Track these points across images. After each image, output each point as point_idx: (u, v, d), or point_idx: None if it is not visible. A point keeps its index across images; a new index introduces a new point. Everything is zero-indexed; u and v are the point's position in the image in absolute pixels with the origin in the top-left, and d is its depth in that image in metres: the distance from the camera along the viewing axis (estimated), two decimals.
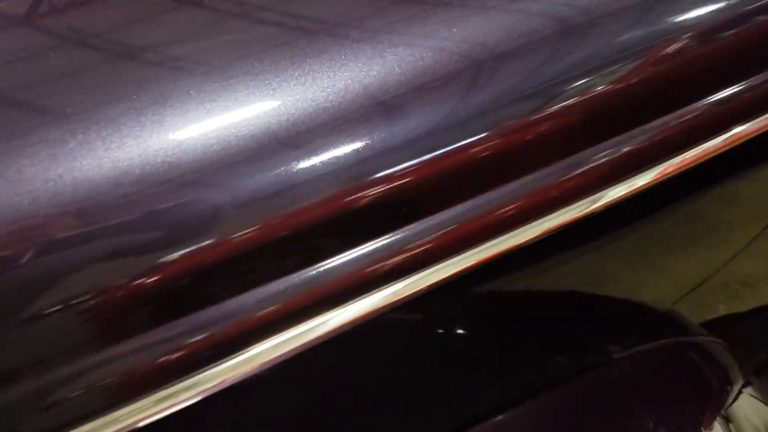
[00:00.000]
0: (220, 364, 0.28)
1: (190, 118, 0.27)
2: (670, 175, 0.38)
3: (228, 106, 0.27)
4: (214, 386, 0.28)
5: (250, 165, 0.27)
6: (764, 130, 0.41)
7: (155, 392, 0.27)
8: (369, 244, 0.30)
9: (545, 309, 0.48)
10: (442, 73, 0.30)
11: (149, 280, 0.26)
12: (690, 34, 0.36)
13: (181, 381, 0.27)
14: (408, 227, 0.31)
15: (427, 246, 0.31)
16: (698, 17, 0.36)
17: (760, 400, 0.53)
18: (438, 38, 0.31)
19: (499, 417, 0.41)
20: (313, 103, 0.28)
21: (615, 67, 0.34)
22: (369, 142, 0.29)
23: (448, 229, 0.32)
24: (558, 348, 0.47)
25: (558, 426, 0.43)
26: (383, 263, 0.31)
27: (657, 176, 0.38)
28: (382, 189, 0.29)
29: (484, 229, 0.33)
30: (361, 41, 0.30)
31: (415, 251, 0.31)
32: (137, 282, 0.26)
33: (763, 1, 0.38)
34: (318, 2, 0.33)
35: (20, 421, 0.25)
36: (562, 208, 0.35)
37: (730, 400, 0.49)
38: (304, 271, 0.29)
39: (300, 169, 0.28)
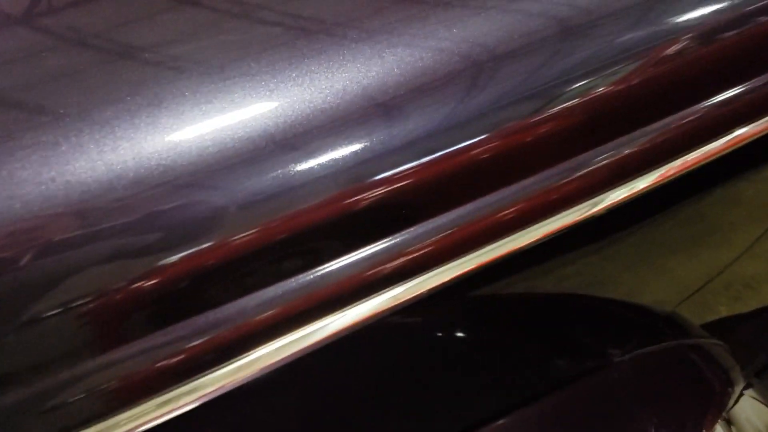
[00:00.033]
0: (220, 368, 0.28)
1: (185, 119, 0.26)
2: (671, 178, 0.38)
3: (224, 108, 0.27)
4: (214, 391, 0.28)
5: (246, 168, 0.27)
6: (767, 132, 0.41)
7: (155, 397, 0.27)
8: (368, 247, 0.30)
9: (546, 312, 0.47)
10: (441, 73, 0.30)
11: (140, 285, 0.25)
12: (692, 34, 0.36)
13: (181, 385, 0.27)
14: (407, 230, 0.31)
15: (426, 249, 0.31)
16: (700, 18, 0.36)
17: (762, 402, 0.53)
18: (437, 38, 0.31)
19: (500, 421, 0.41)
20: (311, 105, 0.28)
21: (616, 68, 0.34)
22: (368, 144, 0.29)
23: (448, 232, 0.32)
24: (559, 351, 0.47)
25: (559, 429, 0.42)
26: (383, 267, 0.30)
27: (658, 178, 0.38)
28: (381, 191, 0.29)
29: (485, 233, 0.32)
30: (359, 41, 0.30)
31: (415, 255, 0.31)
32: (128, 287, 0.25)
33: (766, 2, 0.38)
34: (316, 2, 0.33)
35: (19, 425, 0.25)
36: (563, 210, 0.35)
37: (732, 402, 0.49)
38: (301, 275, 0.29)
39: (297, 171, 0.27)
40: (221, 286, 0.27)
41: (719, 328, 0.63)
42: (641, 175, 0.37)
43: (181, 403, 0.27)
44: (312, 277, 0.29)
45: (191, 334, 0.27)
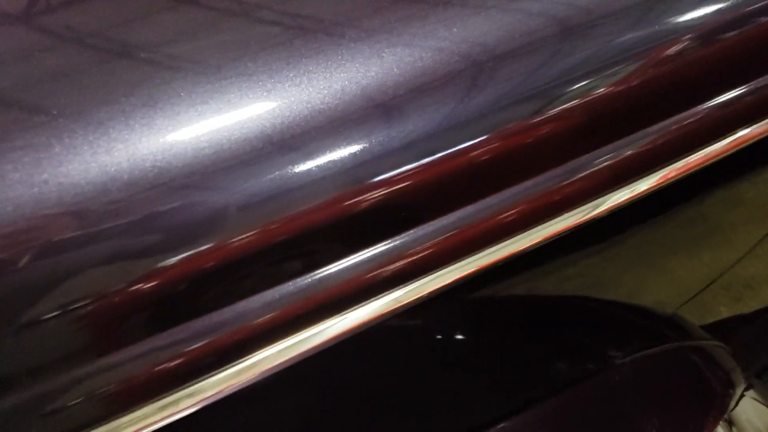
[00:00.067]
0: (220, 372, 0.28)
1: (180, 120, 0.26)
2: (673, 180, 0.38)
3: (220, 109, 0.27)
4: (215, 394, 0.28)
5: (243, 170, 0.26)
6: None
7: (155, 400, 0.27)
8: (368, 250, 0.30)
9: (548, 314, 0.47)
10: (441, 73, 0.30)
11: (133, 289, 0.25)
12: (693, 35, 0.35)
13: (182, 389, 0.27)
14: (407, 233, 0.31)
15: (426, 252, 0.31)
16: (701, 18, 0.36)
17: (762, 403, 0.53)
18: (437, 38, 0.30)
19: (502, 424, 0.40)
20: (309, 105, 0.28)
21: (617, 68, 0.34)
22: (366, 145, 0.28)
23: (448, 234, 0.31)
24: (561, 353, 0.47)
25: None
26: (383, 270, 0.30)
27: (660, 180, 0.38)
28: (380, 193, 0.29)
29: (485, 235, 0.32)
30: (358, 41, 0.30)
31: (415, 257, 0.31)
32: (120, 290, 0.25)
33: (767, 2, 0.37)
34: (314, 1, 0.32)
35: (19, 428, 0.25)
36: (564, 213, 0.34)
37: (733, 404, 0.49)
38: (300, 279, 0.29)
39: (295, 173, 0.27)
40: (217, 289, 0.27)
41: (720, 329, 0.63)
42: (642, 177, 0.37)
43: (181, 406, 0.27)
44: (311, 280, 0.29)
45: (190, 337, 0.27)
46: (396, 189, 0.29)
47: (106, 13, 0.31)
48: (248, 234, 0.27)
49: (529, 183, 0.33)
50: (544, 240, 0.34)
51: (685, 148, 0.38)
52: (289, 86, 0.28)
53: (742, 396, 0.50)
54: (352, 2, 0.32)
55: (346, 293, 0.30)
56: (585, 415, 0.43)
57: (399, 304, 0.31)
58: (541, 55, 0.32)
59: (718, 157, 0.40)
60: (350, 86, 0.28)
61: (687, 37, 0.35)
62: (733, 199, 0.53)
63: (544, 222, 0.34)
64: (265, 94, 0.27)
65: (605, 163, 0.35)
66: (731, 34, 0.37)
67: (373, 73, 0.29)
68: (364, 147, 0.28)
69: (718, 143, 0.39)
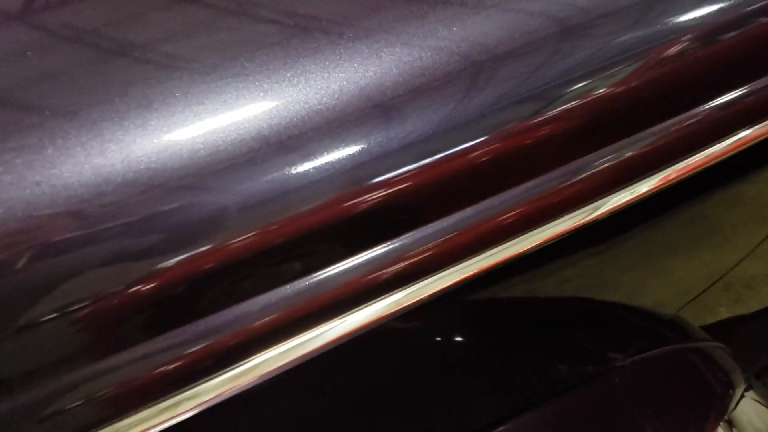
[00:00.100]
0: (219, 375, 0.27)
1: (175, 121, 0.26)
2: (673, 181, 0.38)
3: (216, 109, 0.26)
4: (214, 398, 0.28)
5: (239, 171, 0.26)
6: None
7: (154, 404, 0.27)
8: (367, 252, 0.30)
9: (548, 316, 0.47)
10: (441, 74, 0.29)
11: (127, 292, 0.25)
12: (694, 35, 0.35)
13: (181, 392, 0.27)
14: (406, 235, 0.30)
15: (426, 255, 0.31)
16: (702, 19, 0.36)
17: (763, 404, 0.53)
18: (437, 38, 0.30)
19: (502, 427, 0.40)
20: (306, 106, 0.27)
21: (618, 69, 0.33)
22: (365, 146, 0.28)
23: (448, 237, 0.31)
24: (562, 356, 0.47)
25: None
26: (382, 272, 0.30)
27: (661, 182, 0.37)
28: (378, 195, 0.29)
29: (485, 237, 0.32)
30: (356, 40, 0.29)
31: (415, 260, 0.31)
32: (113, 293, 0.25)
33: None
34: None
35: None
36: (565, 214, 0.34)
37: (733, 405, 0.49)
38: (299, 281, 0.29)
39: (292, 175, 0.27)
40: (214, 292, 0.27)
41: (720, 329, 0.63)
42: (643, 179, 0.37)
43: (180, 410, 0.27)
44: (311, 282, 0.29)
45: (190, 340, 0.27)
46: (395, 191, 0.29)
47: (99, 12, 0.30)
48: (245, 236, 0.26)
49: (529, 184, 0.33)
50: (545, 242, 0.34)
51: (685, 150, 0.38)
52: (286, 86, 0.27)
53: (742, 397, 0.50)
54: (350, 1, 0.32)
55: (346, 296, 0.29)
56: (585, 417, 0.43)
57: (399, 307, 0.31)
58: (541, 55, 0.32)
59: (719, 159, 0.39)
60: (348, 86, 0.28)
61: (687, 37, 0.35)
62: (733, 199, 0.53)
63: (545, 224, 0.34)
64: (261, 94, 0.27)
65: (605, 165, 0.35)
66: (732, 34, 0.36)
67: (372, 73, 0.29)
68: (363, 148, 0.28)
69: (719, 144, 0.39)
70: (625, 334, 0.50)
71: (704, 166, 0.39)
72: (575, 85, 0.32)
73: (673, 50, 0.35)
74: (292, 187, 0.27)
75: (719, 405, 0.47)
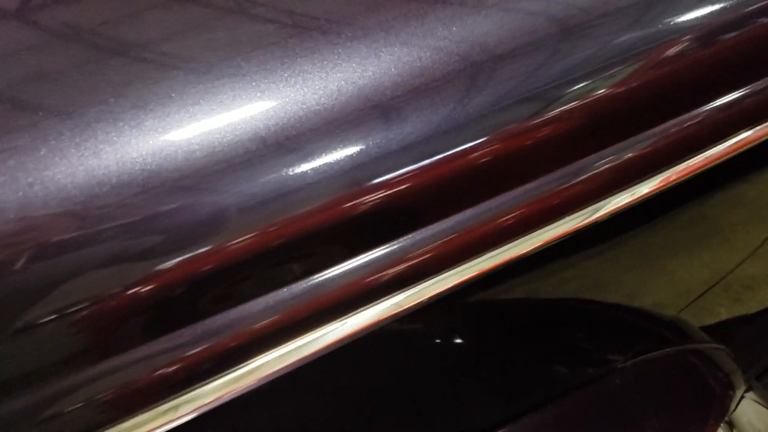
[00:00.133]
0: (219, 377, 0.27)
1: (171, 122, 0.26)
2: (674, 183, 0.38)
3: (212, 110, 0.26)
4: (214, 400, 0.27)
5: (235, 173, 0.26)
6: None
7: (153, 406, 0.26)
8: (366, 254, 0.29)
9: (549, 318, 0.47)
10: (440, 74, 0.29)
11: (120, 294, 0.25)
12: (694, 36, 0.35)
13: (181, 395, 0.27)
14: (406, 237, 0.30)
15: (425, 257, 0.31)
16: (703, 19, 0.35)
17: (763, 405, 0.53)
18: (436, 37, 0.30)
19: (502, 430, 0.40)
20: (304, 106, 0.27)
21: (619, 69, 0.33)
22: (363, 147, 0.28)
23: (448, 238, 0.31)
24: (562, 358, 0.46)
25: None
26: (382, 274, 0.30)
27: (661, 183, 0.37)
28: (377, 197, 0.28)
29: (485, 239, 0.32)
30: (355, 40, 0.29)
31: (414, 262, 0.30)
32: (107, 296, 0.24)
33: None
34: None
35: None
36: (565, 216, 0.34)
37: (733, 406, 0.49)
38: (299, 283, 0.28)
39: (289, 176, 0.26)
40: (213, 294, 0.27)
41: (719, 330, 0.63)
42: (643, 180, 0.37)
43: (180, 412, 0.27)
44: (310, 284, 0.28)
45: (189, 342, 0.26)
46: (394, 192, 0.29)
47: (94, 11, 0.30)
48: (240, 239, 0.26)
49: (529, 186, 0.32)
50: (545, 244, 0.34)
51: (686, 151, 0.38)
52: (283, 86, 0.27)
53: (742, 398, 0.50)
54: (348, 0, 0.32)
55: (346, 298, 0.29)
56: (586, 419, 0.43)
57: (400, 309, 0.31)
58: (541, 55, 0.32)
59: (720, 160, 0.39)
60: (347, 86, 0.28)
61: (688, 37, 0.35)
62: (733, 200, 0.53)
63: (545, 226, 0.34)
64: (258, 94, 0.27)
65: (606, 166, 0.35)
66: (732, 35, 0.36)
67: (370, 73, 0.28)
68: (361, 149, 0.28)
69: (720, 146, 0.39)
70: (625, 336, 0.50)
71: (705, 168, 0.39)
72: (575, 85, 0.32)
73: (674, 51, 0.34)
74: (290, 189, 0.26)
75: (719, 406, 0.47)
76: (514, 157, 0.31)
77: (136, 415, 0.26)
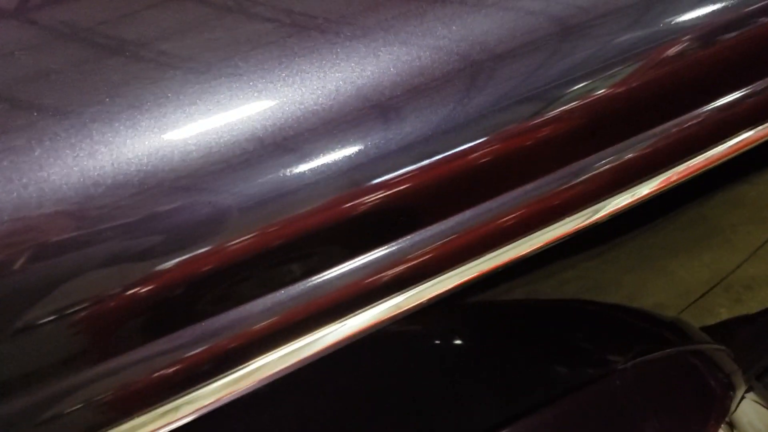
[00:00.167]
0: (218, 379, 0.27)
1: (167, 122, 0.25)
2: (674, 184, 0.37)
3: (209, 110, 0.26)
4: (214, 402, 0.27)
5: (232, 174, 0.25)
6: None
7: (153, 408, 0.26)
8: (366, 255, 0.29)
9: (547, 318, 0.47)
10: (439, 73, 0.29)
11: (125, 295, 0.25)
12: (695, 36, 0.35)
13: (180, 396, 0.27)
14: (405, 238, 0.30)
15: (424, 258, 0.30)
16: (703, 19, 0.35)
17: (763, 405, 0.53)
18: (435, 36, 0.30)
19: (503, 431, 0.40)
20: (302, 106, 0.27)
21: (619, 69, 0.33)
22: (362, 147, 0.28)
23: (447, 239, 0.31)
24: (563, 359, 0.46)
25: None
26: (381, 275, 0.30)
27: (661, 184, 0.37)
28: (375, 198, 0.28)
29: (484, 240, 0.32)
30: (354, 39, 0.29)
31: (413, 263, 0.30)
32: (102, 297, 0.24)
33: None
34: None
35: None
36: (565, 217, 0.34)
37: (734, 407, 0.49)
38: (297, 285, 0.28)
39: (287, 177, 0.26)
40: (211, 295, 0.27)
41: (720, 330, 0.63)
42: (644, 181, 0.37)
43: (180, 414, 0.27)
44: (309, 285, 0.28)
45: (189, 343, 0.26)
46: (393, 192, 0.28)
47: (90, 10, 0.30)
48: (237, 240, 0.26)
49: (529, 186, 0.32)
50: (545, 245, 0.34)
51: (686, 151, 0.38)
52: (281, 86, 0.27)
53: (742, 398, 0.50)
54: None
55: (345, 299, 0.29)
56: (586, 420, 0.43)
57: (400, 310, 0.31)
58: (542, 55, 0.31)
59: (721, 161, 0.39)
60: (345, 86, 0.28)
61: (688, 37, 0.35)
62: (733, 200, 0.53)
63: (545, 227, 0.33)
64: (256, 94, 0.27)
65: (606, 167, 0.35)
66: (733, 34, 0.36)
67: (369, 73, 0.28)
68: (360, 149, 0.27)
69: (720, 146, 0.39)
70: (625, 337, 0.50)
71: (705, 168, 0.39)
72: (575, 85, 0.32)
73: (674, 51, 0.34)
74: (288, 190, 0.26)
75: (720, 407, 0.47)
76: (514, 157, 0.31)
77: (136, 417, 0.26)
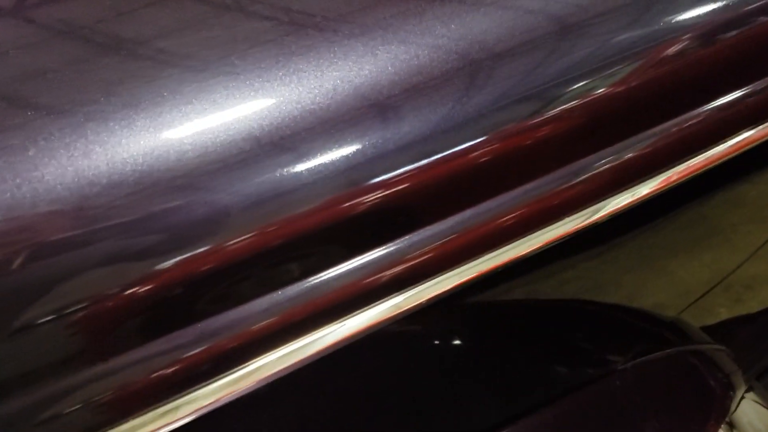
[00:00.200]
0: (218, 379, 0.27)
1: (163, 122, 0.25)
2: (674, 183, 0.37)
3: (205, 109, 0.26)
4: (213, 402, 0.27)
5: (228, 174, 0.25)
6: None
7: (152, 408, 0.26)
8: (365, 255, 0.29)
9: (547, 318, 0.47)
10: (438, 72, 0.29)
11: (123, 296, 0.24)
12: (695, 35, 0.35)
13: (179, 396, 0.27)
14: (404, 238, 0.30)
15: (423, 258, 0.30)
16: (703, 18, 0.35)
17: (763, 405, 0.53)
18: (434, 35, 0.30)
19: (501, 431, 0.40)
20: (299, 106, 0.27)
21: (619, 68, 0.33)
22: (360, 146, 0.27)
23: (447, 239, 0.31)
24: (562, 359, 0.46)
25: None
26: (380, 276, 0.29)
27: (661, 184, 0.37)
28: (374, 198, 0.28)
29: (484, 240, 0.32)
30: (351, 38, 0.29)
31: (412, 263, 0.30)
32: (99, 298, 0.24)
33: None
34: None
35: None
36: (565, 217, 0.34)
37: (734, 407, 0.49)
38: (296, 285, 0.28)
39: (284, 176, 0.26)
40: (210, 295, 0.26)
41: (720, 330, 0.63)
42: (644, 180, 0.37)
43: (179, 414, 0.27)
44: (308, 285, 0.28)
45: (188, 343, 0.26)
46: (392, 192, 0.28)
47: (86, 8, 0.30)
48: (235, 241, 0.26)
49: (528, 186, 0.32)
50: (545, 245, 0.34)
51: (686, 151, 0.38)
52: (278, 85, 0.27)
53: (742, 398, 0.50)
54: None
55: (345, 299, 0.29)
56: (586, 420, 0.43)
57: (399, 310, 0.31)
58: (541, 53, 0.31)
59: (721, 160, 0.39)
60: (343, 85, 0.27)
61: (688, 36, 0.35)
62: (734, 200, 0.53)
63: (544, 227, 0.33)
64: (253, 93, 0.26)
65: (606, 166, 0.34)
66: (733, 33, 0.36)
67: (367, 72, 0.28)
68: (358, 149, 0.27)
69: (721, 146, 0.39)
70: (625, 337, 0.50)
71: (705, 168, 0.39)
72: (575, 84, 0.32)
73: (674, 50, 0.34)
74: (286, 189, 0.26)
75: (720, 407, 0.47)
76: (513, 157, 0.31)
77: (135, 417, 0.26)
